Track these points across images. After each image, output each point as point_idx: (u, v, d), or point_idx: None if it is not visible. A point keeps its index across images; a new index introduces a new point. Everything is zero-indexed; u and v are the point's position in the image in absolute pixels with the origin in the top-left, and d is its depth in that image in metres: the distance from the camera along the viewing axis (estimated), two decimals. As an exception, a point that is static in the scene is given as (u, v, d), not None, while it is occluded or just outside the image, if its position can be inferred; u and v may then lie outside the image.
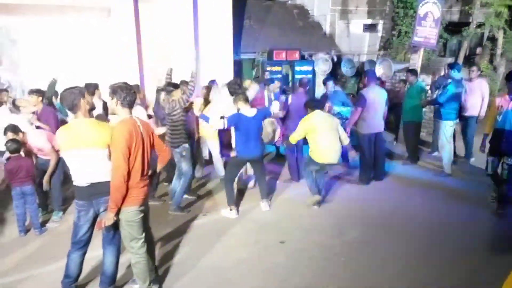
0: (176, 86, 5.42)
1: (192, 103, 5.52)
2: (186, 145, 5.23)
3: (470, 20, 12.68)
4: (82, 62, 8.67)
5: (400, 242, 4.48)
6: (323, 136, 5.16)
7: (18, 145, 4.61)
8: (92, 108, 3.32)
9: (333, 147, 5.19)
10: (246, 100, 5.07)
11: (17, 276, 3.86)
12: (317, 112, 5.29)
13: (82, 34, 8.61)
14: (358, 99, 6.14)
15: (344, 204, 5.59)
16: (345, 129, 5.66)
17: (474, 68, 7.09)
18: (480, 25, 12.54)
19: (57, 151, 4.77)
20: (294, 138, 5.47)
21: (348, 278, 3.81)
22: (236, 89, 5.51)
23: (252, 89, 5.88)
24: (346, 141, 5.33)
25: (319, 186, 5.46)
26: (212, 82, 6.85)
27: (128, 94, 3.12)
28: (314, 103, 5.44)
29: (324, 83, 7.67)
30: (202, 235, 4.71)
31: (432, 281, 3.74)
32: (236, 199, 5.45)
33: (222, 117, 5.05)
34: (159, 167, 3.61)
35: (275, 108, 5.75)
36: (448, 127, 6.45)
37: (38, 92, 5.52)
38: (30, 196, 4.69)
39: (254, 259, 4.16)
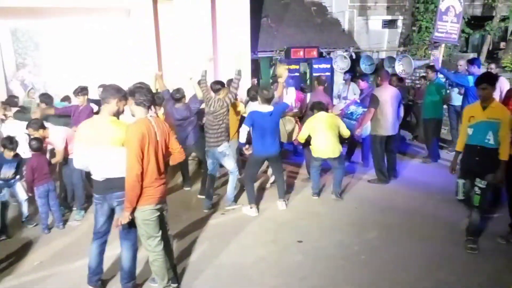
0: (223, 84, 5.51)
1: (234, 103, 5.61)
2: (227, 143, 5.28)
3: (494, 14, 12.37)
4: (103, 63, 8.83)
5: (421, 241, 4.41)
6: (320, 134, 5.48)
7: (40, 144, 4.74)
8: (119, 113, 3.41)
9: (329, 143, 5.46)
10: (266, 100, 5.04)
11: (42, 273, 3.97)
12: (321, 113, 5.58)
13: (102, 35, 8.76)
14: (370, 99, 6.01)
15: (363, 203, 5.54)
16: (351, 129, 5.97)
17: (493, 66, 6.96)
18: (504, 19, 12.23)
19: (66, 154, 4.92)
20: (300, 137, 5.78)
21: (368, 277, 3.78)
22: (254, 95, 5.72)
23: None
24: (347, 134, 5.64)
25: (336, 179, 5.66)
26: (231, 81, 6.86)
27: (145, 95, 3.17)
28: (319, 106, 5.68)
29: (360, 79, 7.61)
30: (220, 234, 4.74)
31: (456, 281, 3.67)
32: (256, 197, 5.46)
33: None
34: (171, 163, 3.61)
35: (291, 95, 5.63)
36: None
37: (83, 90, 5.50)
38: (53, 191, 4.84)
39: (273, 258, 4.16)
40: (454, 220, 4.84)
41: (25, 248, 4.51)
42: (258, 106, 5.09)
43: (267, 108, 5.03)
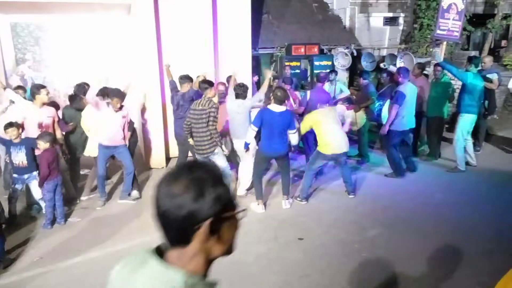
0: (211, 84, 5.41)
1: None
2: (219, 148, 5.22)
3: (496, 12, 12.33)
4: (102, 59, 8.80)
5: (422, 239, 4.40)
6: (328, 127, 5.27)
7: (54, 136, 4.76)
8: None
9: (338, 136, 5.28)
10: (279, 101, 4.95)
11: (42, 269, 3.95)
12: (322, 108, 5.53)
13: (102, 31, 8.73)
14: (395, 96, 6.05)
15: (365, 200, 5.53)
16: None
17: (486, 59, 7.01)
18: (506, 17, 12.19)
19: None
20: (303, 128, 5.57)
21: (369, 275, 3.77)
22: (242, 91, 5.44)
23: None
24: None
25: (347, 177, 5.52)
26: (230, 78, 6.82)
27: None
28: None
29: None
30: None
31: (458, 278, 3.66)
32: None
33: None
34: None
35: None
36: (467, 122, 6.26)
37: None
38: (60, 186, 4.79)
39: (273, 255, 4.15)
40: (452, 217, 4.84)
41: (25, 243, 4.49)
42: (270, 106, 5.02)
43: (279, 108, 4.96)
